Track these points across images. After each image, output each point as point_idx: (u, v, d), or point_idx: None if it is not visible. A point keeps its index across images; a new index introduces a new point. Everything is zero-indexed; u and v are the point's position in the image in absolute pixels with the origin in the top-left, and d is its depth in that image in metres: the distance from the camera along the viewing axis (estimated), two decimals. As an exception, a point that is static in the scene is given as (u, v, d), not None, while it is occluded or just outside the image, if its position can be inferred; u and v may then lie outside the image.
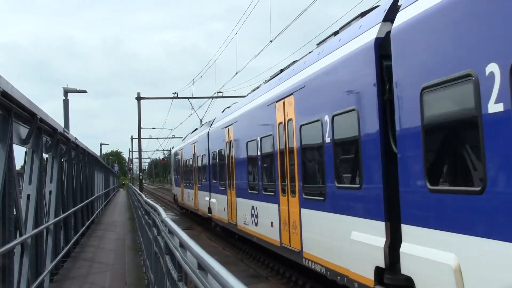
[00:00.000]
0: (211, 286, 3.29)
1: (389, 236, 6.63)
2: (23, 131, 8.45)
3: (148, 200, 11.57)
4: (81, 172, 18.64)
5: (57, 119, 11.36)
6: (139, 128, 43.26)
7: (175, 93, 42.26)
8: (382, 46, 6.81)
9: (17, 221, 7.69)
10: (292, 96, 10.15)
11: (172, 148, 27.11)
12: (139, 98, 42.27)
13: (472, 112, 4.94)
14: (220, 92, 40.35)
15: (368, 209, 7.15)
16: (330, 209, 8.45)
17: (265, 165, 12.64)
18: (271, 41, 21.84)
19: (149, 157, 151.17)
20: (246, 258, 16.18)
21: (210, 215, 20.50)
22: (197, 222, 28.99)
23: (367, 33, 7.25)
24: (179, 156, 31.90)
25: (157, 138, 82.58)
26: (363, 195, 7.30)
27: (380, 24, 6.98)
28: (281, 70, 12.51)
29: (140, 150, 45.34)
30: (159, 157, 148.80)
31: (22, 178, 10.90)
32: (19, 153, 10.39)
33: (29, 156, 9.32)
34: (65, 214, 13.06)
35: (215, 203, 19.58)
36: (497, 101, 4.55)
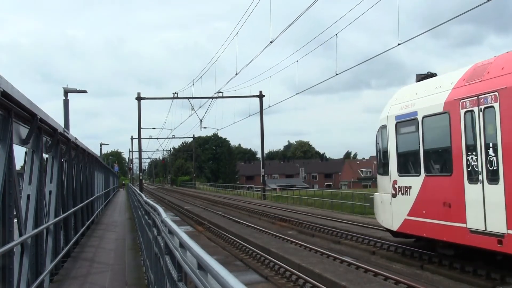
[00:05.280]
0: (211, 286, 3.29)
1: None
2: (23, 131, 8.45)
3: (148, 200, 11.56)
4: (81, 172, 18.63)
5: (58, 118, 11.37)
6: (139, 128, 43.30)
7: (175, 93, 42.39)
8: None
9: (17, 221, 7.69)
10: None
11: None
12: (139, 98, 42.28)
13: None
14: (220, 92, 40.42)
15: None
16: None
17: None
18: (271, 42, 21.86)
19: (149, 157, 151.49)
20: (246, 258, 16.18)
21: None
22: (197, 222, 28.96)
23: None
24: None
25: (157, 138, 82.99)
26: None
27: None
28: None
29: (140, 150, 45.37)
30: (159, 157, 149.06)
31: (22, 178, 10.89)
32: (19, 153, 10.39)
33: (29, 156, 9.31)
34: (65, 214, 13.05)
35: None
36: None
